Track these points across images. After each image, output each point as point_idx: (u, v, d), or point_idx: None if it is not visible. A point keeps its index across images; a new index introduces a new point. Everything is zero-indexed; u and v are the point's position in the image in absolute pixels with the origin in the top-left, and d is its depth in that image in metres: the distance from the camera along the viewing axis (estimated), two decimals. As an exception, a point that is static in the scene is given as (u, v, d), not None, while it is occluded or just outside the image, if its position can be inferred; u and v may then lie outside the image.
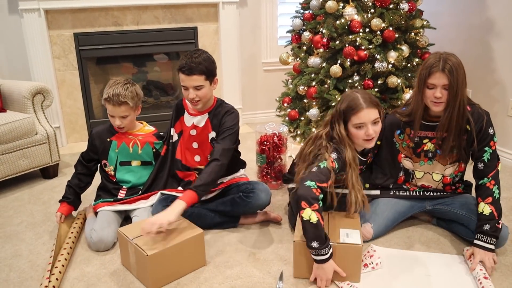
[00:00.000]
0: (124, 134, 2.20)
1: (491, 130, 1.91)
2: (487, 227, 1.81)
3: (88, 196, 2.34)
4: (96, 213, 2.15)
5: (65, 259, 1.83)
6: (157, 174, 2.23)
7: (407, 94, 2.65)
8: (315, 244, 1.62)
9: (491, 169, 1.90)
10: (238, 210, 2.11)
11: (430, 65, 1.80)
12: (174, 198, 2.05)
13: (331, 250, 1.66)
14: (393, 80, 2.67)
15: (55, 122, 3.42)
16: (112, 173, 2.21)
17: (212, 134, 2.13)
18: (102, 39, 3.45)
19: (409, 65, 2.82)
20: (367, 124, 1.80)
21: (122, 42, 3.51)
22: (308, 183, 1.67)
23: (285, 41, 3.28)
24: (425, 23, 2.81)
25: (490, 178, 1.89)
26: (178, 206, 1.78)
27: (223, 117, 2.09)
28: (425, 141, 2.01)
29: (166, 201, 2.07)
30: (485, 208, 1.85)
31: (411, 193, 2.09)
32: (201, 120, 2.14)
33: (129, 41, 3.52)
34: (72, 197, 2.15)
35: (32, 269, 1.86)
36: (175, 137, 2.23)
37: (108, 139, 2.20)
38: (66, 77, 3.46)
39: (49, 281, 1.66)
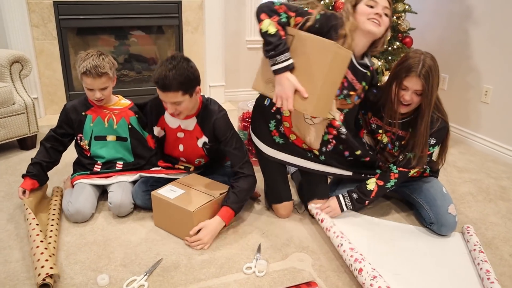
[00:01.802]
0: (99, 108, 2.15)
1: (431, 141, 1.88)
2: (355, 195, 1.94)
3: (66, 169, 2.33)
4: (73, 186, 2.15)
5: (55, 241, 1.79)
6: (136, 159, 2.22)
7: (386, 77, 2.70)
8: (271, 53, 1.61)
9: (405, 166, 1.90)
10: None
11: (409, 67, 1.75)
12: (154, 180, 2.09)
13: (290, 60, 1.62)
14: (374, 62, 2.72)
15: (33, 93, 3.35)
16: (87, 147, 2.17)
17: (204, 139, 2.03)
18: (83, 9, 3.38)
19: (390, 48, 2.88)
20: (378, 4, 1.70)
21: (104, 14, 3.45)
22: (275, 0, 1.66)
23: (269, 20, 3.28)
24: (407, 7, 2.85)
25: (397, 171, 1.91)
26: (215, 227, 1.84)
27: (214, 126, 1.97)
28: (380, 131, 2.02)
29: (146, 185, 2.07)
30: (371, 184, 1.93)
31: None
32: (190, 124, 2.02)
33: (111, 13, 3.46)
34: (36, 172, 2.06)
35: (10, 238, 1.86)
36: (161, 133, 2.13)
37: (83, 113, 2.14)
38: (44, 47, 3.39)
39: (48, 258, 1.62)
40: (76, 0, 3.34)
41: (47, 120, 3.40)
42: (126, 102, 2.24)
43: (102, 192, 2.20)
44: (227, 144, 1.97)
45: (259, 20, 1.63)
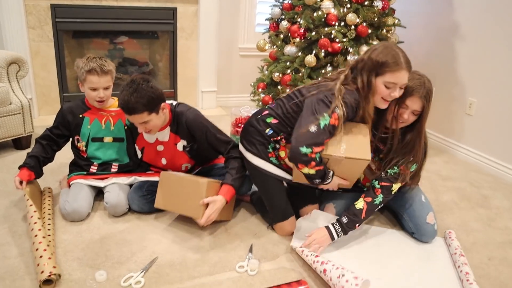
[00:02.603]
0: (97, 111, 2.19)
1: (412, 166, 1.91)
2: (345, 219, 1.86)
3: (61, 169, 2.38)
4: (69, 186, 2.19)
5: (53, 240, 1.84)
6: (132, 161, 2.26)
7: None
8: (318, 181, 1.79)
9: (387, 181, 1.89)
10: None
11: (412, 88, 1.76)
12: (149, 185, 2.14)
13: (331, 172, 1.81)
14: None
15: (27, 94, 3.38)
16: (84, 148, 2.21)
17: (182, 143, 2.12)
18: (80, 12, 3.44)
19: (379, 60, 2.98)
20: (397, 86, 1.70)
21: (100, 17, 3.50)
22: (304, 149, 1.64)
23: (262, 28, 3.37)
24: (396, 21, 2.96)
25: (380, 186, 1.89)
26: (220, 204, 1.89)
27: (187, 126, 2.05)
28: None
29: (142, 190, 2.12)
30: (359, 203, 1.88)
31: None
32: (165, 135, 2.10)
33: (107, 17, 3.52)
34: (33, 164, 2.09)
35: (8, 235, 1.90)
36: (139, 154, 2.23)
37: (81, 115, 2.17)
38: (40, 49, 3.43)
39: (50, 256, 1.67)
40: (73, 4, 3.40)
41: (41, 121, 3.43)
42: None
43: (98, 192, 2.24)
44: (207, 137, 2.06)
45: (297, 166, 1.74)
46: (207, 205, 1.87)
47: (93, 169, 2.22)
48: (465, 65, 3.22)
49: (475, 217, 2.36)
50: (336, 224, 1.87)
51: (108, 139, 2.22)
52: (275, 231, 2.04)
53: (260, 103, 3.15)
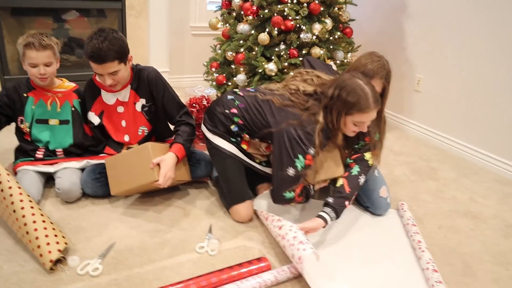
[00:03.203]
0: (42, 90, 2.09)
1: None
2: (330, 200, 1.80)
3: (6, 156, 2.25)
4: (15, 173, 2.08)
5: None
6: (77, 144, 2.16)
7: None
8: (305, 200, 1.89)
9: (357, 153, 1.92)
10: None
11: (372, 71, 1.81)
12: (102, 168, 2.05)
13: (312, 189, 1.91)
14: (317, 51, 2.84)
15: (-37, 77, 3.16)
16: (28, 130, 2.10)
17: (141, 102, 2.10)
18: (19, -12, 3.22)
19: (331, 38, 3.01)
20: (366, 123, 1.75)
21: (42, -7, 3.30)
22: (287, 195, 1.76)
23: (214, 6, 3.30)
24: (347, -1, 2.99)
25: (352, 160, 1.92)
26: (172, 160, 1.89)
27: (148, 81, 2.07)
28: None
29: (95, 173, 2.05)
30: (338, 181, 1.87)
31: None
32: (125, 94, 2.09)
33: (49, -7, 3.32)
34: None
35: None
36: (96, 120, 2.15)
37: (25, 94, 2.07)
38: (-24, 28, 3.20)
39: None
40: (11, -21, 3.18)
41: (-19, 106, 3.22)
42: (70, 84, 2.19)
43: (47, 178, 2.14)
44: (164, 96, 2.08)
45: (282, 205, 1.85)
46: (159, 166, 1.86)
47: (39, 154, 2.11)
48: (413, 42, 3.31)
49: (425, 189, 2.46)
50: (324, 207, 1.80)
51: (54, 122, 2.11)
52: (231, 215, 2.00)
53: (214, 82, 3.11)
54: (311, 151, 1.73)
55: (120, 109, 2.11)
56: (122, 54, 1.90)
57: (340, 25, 3.07)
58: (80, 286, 1.50)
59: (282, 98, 1.86)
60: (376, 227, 2.00)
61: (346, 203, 1.81)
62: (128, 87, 2.08)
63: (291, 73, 2.06)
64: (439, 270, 1.66)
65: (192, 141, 2.07)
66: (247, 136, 1.94)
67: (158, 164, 1.86)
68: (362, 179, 1.89)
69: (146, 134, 2.17)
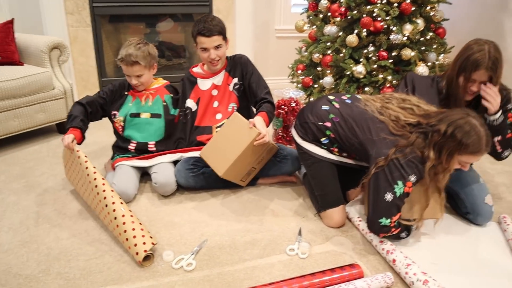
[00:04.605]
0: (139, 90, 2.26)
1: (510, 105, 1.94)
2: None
3: (105, 152, 2.40)
4: (113, 169, 2.22)
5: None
6: (168, 137, 2.28)
7: (420, 67, 2.70)
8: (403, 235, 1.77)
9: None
10: (268, 171, 2.21)
11: (476, 63, 1.77)
12: (194, 160, 2.14)
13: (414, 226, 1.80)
14: (407, 53, 2.72)
15: (67, 79, 3.42)
16: (122, 124, 2.23)
17: (234, 81, 2.30)
18: (117, -4, 3.44)
19: (422, 38, 2.87)
20: (470, 163, 1.71)
21: (136, 1, 3.50)
22: (383, 221, 1.65)
23: (299, 9, 3.30)
24: (441, -3, 2.84)
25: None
26: (262, 121, 2.03)
27: (241, 63, 2.31)
28: None
29: (188, 163, 2.13)
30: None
31: None
32: (220, 79, 2.31)
33: (143, 0, 3.51)
34: (84, 130, 2.08)
35: (59, 217, 1.94)
36: (194, 107, 2.32)
37: (126, 93, 2.26)
38: (78, 34, 3.46)
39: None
40: (110, -12, 3.40)
41: (81, 106, 3.48)
42: (162, 81, 2.34)
43: (142, 174, 2.26)
44: (252, 75, 2.28)
45: (378, 235, 1.75)
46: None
47: (131, 147, 2.24)
48: (514, 43, 3.07)
49: (529, 201, 2.26)
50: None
51: (145, 115, 2.24)
52: (322, 219, 1.96)
53: (300, 85, 3.09)
54: (412, 178, 1.65)
55: (215, 92, 2.31)
56: (225, 31, 2.20)
57: (432, 25, 2.92)
58: (175, 280, 1.55)
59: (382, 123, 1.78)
60: (474, 240, 1.85)
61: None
62: (223, 71, 2.30)
63: (386, 94, 1.96)
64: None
65: (272, 118, 2.19)
66: (336, 150, 1.90)
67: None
68: None
69: (235, 110, 2.28)
